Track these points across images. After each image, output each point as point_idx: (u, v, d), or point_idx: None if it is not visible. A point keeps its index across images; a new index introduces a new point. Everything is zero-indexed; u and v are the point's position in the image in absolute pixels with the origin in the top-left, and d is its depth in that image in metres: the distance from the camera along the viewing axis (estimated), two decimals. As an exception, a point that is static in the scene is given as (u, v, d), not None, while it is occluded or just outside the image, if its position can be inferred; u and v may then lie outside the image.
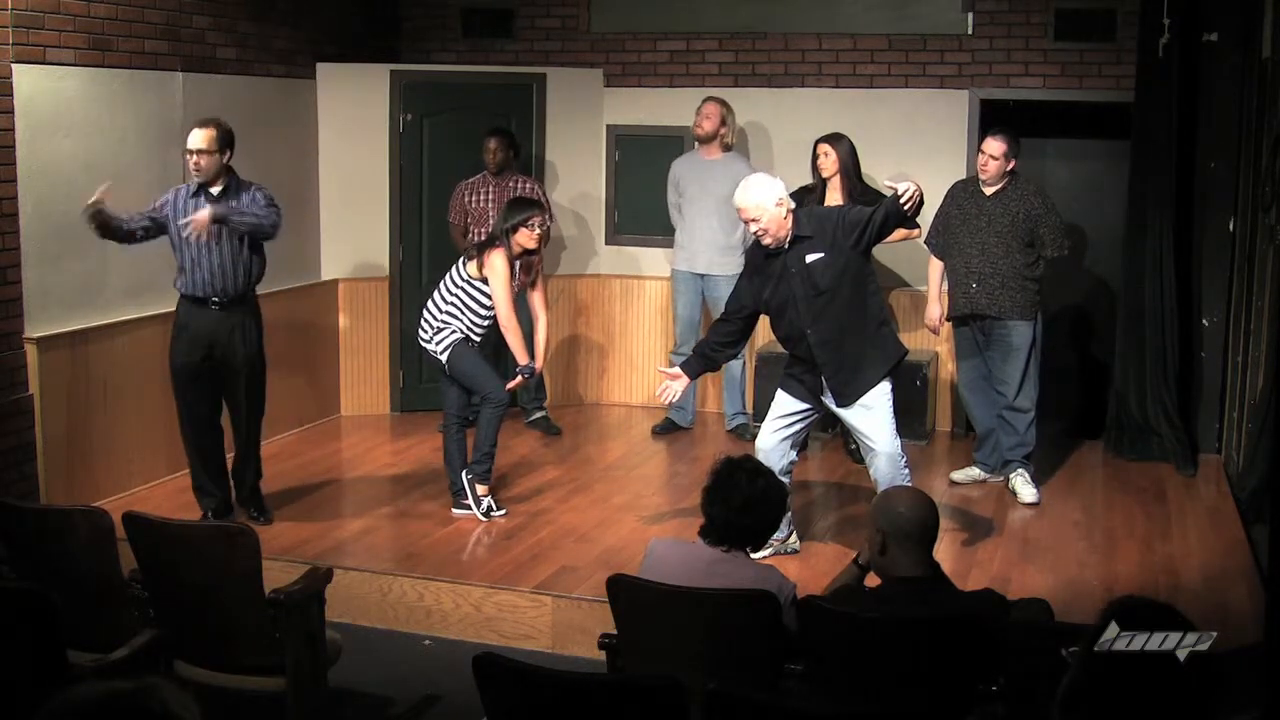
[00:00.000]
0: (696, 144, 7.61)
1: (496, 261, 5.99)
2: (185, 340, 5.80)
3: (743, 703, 2.95)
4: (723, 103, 7.54)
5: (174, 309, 5.87)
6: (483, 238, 6.74)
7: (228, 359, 5.83)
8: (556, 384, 8.35)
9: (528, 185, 7.54)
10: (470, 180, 7.59)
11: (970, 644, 3.45)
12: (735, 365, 7.57)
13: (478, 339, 6.15)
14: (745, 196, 5.15)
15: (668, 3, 8.31)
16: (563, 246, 8.32)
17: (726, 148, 7.55)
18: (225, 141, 5.69)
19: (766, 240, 5.19)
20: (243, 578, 3.96)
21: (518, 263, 6.11)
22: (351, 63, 8.00)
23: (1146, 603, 2.59)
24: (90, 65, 6.13)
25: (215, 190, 5.70)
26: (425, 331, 6.16)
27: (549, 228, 7.75)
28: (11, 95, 5.73)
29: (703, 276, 7.57)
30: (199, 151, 5.63)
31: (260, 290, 6.00)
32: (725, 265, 7.44)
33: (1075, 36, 7.63)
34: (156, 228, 5.72)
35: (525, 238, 6.05)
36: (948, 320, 6.71)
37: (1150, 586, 5.34)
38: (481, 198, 7.52)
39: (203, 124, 5.71)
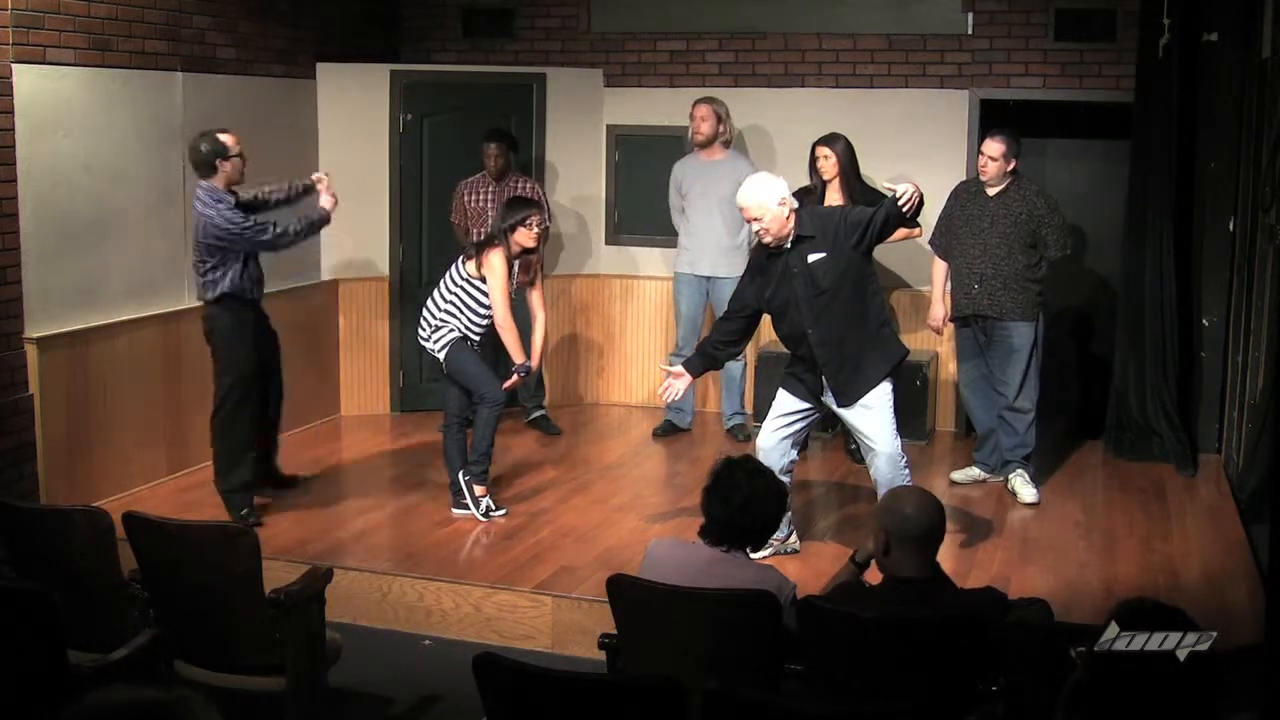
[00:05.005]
0: (695, 148, 7.58)
1: (495, 260, 6.00)
2: (252, 343, 6.03)
3: (743, 703, 2.95)
4: (712, 100, 7.50)
5: (169, 310, 5.85)
6: (482, 237, 6.74)
7: (273, 350, 6.27)
8: (556, 384, 8.35)
9: (527, 185, 7.54)
10: (470, 179, 7.60)
11: (970, 644, 3.45)
12: (735, 366, 7.55)
13: (476, 338, 6.14)
14: (747, 195, 5.16)
15: (668, 3, 8.30)
16: (562, 246, 8.32)
17: (726, 144, 7.53)
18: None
19: (768, 239, 5.20)
20: (243, 578, 3.96)
21: (516, 262, 6.12)
22: (351, 63, 8.00)
23: (1156, 605, 2.59)
24: (90, 65, 6.13)
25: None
26: (424, 330, 6.17)
27: (548, 227, 7.79)
28: (11, 95, 5.72)
29: (708, 279, 7.55)
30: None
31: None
32: (730, 266, 7.40)
33: (1075, 36, 7.63)
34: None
35: (524, 237, 6.05)
36: (950, 320, 6.71)
37: (1150, 586, 5.34)
38: (480, 197, 7.52)
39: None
